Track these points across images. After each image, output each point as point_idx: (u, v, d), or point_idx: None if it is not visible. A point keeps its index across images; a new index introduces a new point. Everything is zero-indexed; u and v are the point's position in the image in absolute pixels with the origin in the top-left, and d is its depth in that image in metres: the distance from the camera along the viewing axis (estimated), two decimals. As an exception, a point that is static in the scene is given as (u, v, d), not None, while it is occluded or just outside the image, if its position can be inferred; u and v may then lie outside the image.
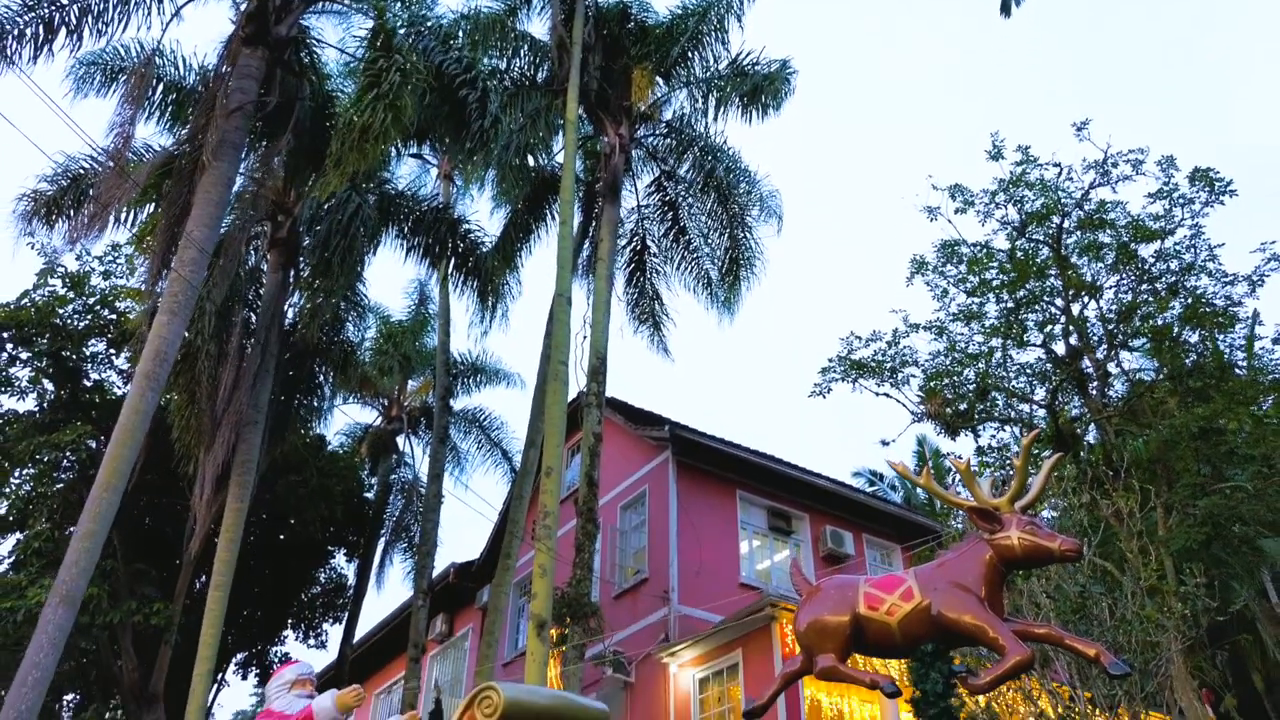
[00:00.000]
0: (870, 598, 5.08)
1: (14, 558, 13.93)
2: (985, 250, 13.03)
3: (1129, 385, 12.83)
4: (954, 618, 4.78)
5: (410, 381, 22.96)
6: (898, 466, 5.47)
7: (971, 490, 5.12)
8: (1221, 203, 11.94)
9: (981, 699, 6.68)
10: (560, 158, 17.30)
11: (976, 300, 12.22)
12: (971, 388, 12.22)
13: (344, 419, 25.93)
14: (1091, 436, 12.60)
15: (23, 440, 13.72)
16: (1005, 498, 5.05)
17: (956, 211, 12.91)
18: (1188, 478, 10.34)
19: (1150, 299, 12.08)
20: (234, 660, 17.71)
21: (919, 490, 29.38)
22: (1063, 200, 12.65)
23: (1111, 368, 12.16)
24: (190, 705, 11.04)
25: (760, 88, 18.17)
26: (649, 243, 19.84)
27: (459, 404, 22.12)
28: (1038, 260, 12.78)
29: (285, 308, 14.59)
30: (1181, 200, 12.05)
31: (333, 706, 5.85)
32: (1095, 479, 8.32)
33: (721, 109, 18.63)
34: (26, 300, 14.48)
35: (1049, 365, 12.21)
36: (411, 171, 20.37)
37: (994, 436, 12.19)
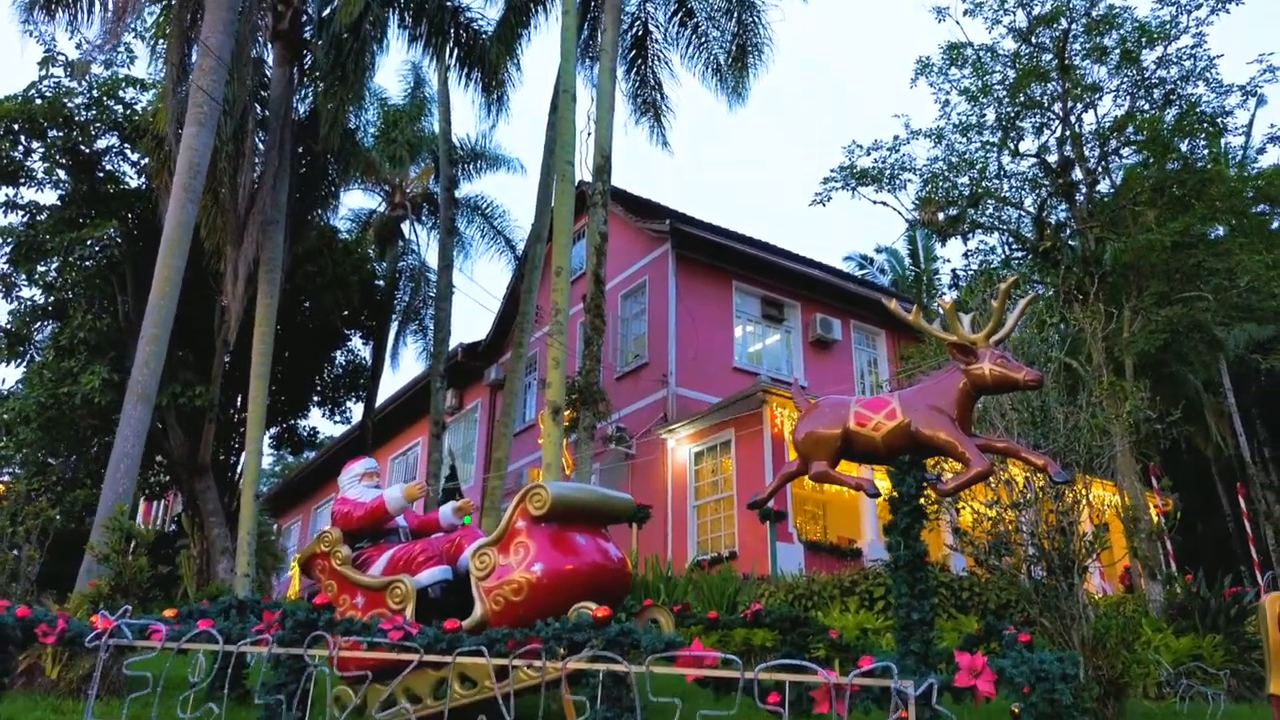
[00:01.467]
0: (859, 416, 5.96)
1: (58, 344, 14.79)
2: (990, 52, 13.12)
3: (1114, 187, 13.35)
4: (929, 434, 5.67)
5: (411, 168, 23.12)
6: (891, 305, 6.21)
7: (953, 327, 5.89)
8: (1227, 10, 12.01)
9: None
10: (561, -66, 16.67)
11: (977, 110, 12.49)
12: (965, 194, 12.74)
13: (345, 208, 26.28)
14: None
15: (56, 235, 14.24)
16: (982, 334, 5.82)
17: (965, 13, 12.88)
18: (1155, 285, 11.16)
19: (1147, 108, 12.38)
20: (268, 434, 19.17)
21: (907, 275, 30.36)
22: (1072, 3, 12.64)
23: (1100, 175, 12.65)
24: (245, 479, 12.42)
25: None
26: (652, 28, 19.45)
27: (461, 191, 22.46)
28: (1041, 64, 12.93)
29: (294, 102, 14.68)
30: (1188, 7, 12.10)
31: (402, 497, 6.88)
32: (1068, 296, 9.04)
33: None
34: (34, 92, 14.50)
35: (1040, 173, 12.68)
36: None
37: (981, 241, 12.88)
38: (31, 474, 14.37)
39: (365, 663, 5.06)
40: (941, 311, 5.83)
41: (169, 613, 6.35)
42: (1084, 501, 7.39)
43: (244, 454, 12.61)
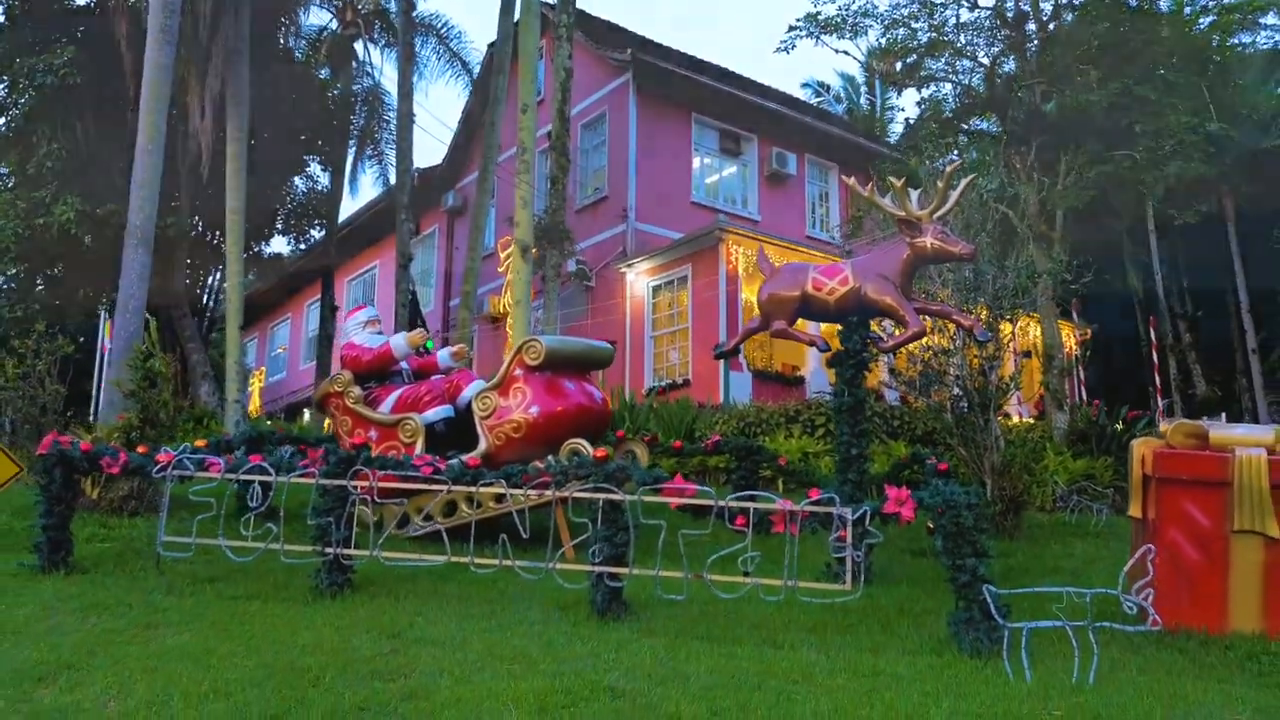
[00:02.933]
0: (816, 281, 6.80)
1: (25, 172, 14.63)
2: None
3: (1064, 41, 13.82)
4: (875, 299, 6.55)
5: (363, -18, 22.21)
6: (849, 183, 6.92)
7: (902, 204, 6.65)
8: None
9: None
10: None
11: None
12: (925, 41, 13.10)
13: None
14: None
15: (15, 58, 13.84)
16: (927, 211, 6.60)
17: None
18: (1090, 143, 11.92)
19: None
20: (234, 261, 19.42)
21: (861, 104, 30.54)
22: None
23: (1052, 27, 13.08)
24: (229, 311, 13.00)
25: None
26: None
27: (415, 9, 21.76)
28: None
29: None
30: None
31: (405, 344, 7.68)
32: (1009, 158, 9.72)
33: None
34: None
35: (998, 24, 13.05)
36: None
37: (936, 89, 13.38)
38: (14, 303, 14.68)
39: (389, 491, 5.98)
40: (891, 189, 6.54)
41: (199, 443, 7.20)
42: (1006, 349, 8.47)
43: (222, 284, 13.08)
